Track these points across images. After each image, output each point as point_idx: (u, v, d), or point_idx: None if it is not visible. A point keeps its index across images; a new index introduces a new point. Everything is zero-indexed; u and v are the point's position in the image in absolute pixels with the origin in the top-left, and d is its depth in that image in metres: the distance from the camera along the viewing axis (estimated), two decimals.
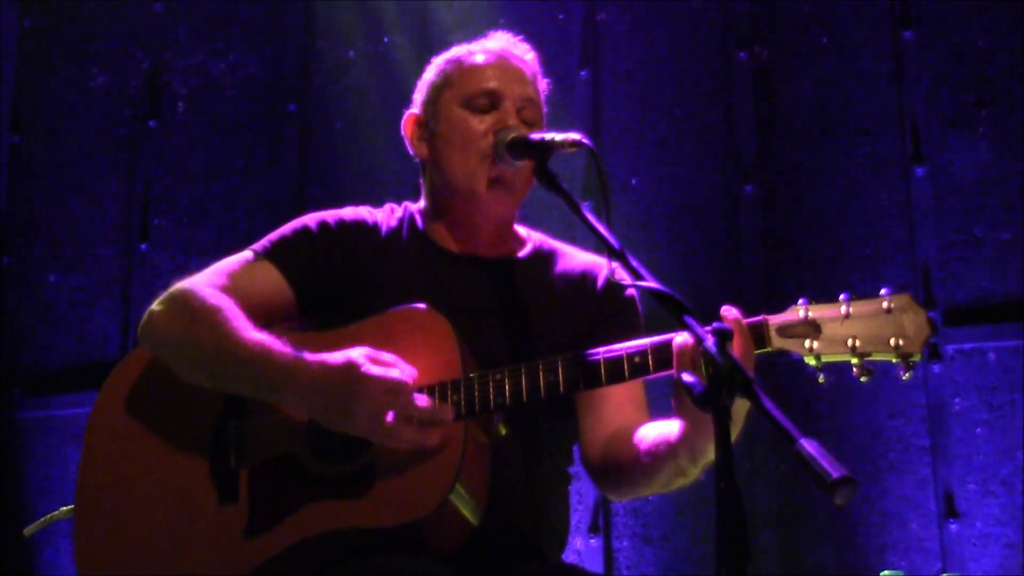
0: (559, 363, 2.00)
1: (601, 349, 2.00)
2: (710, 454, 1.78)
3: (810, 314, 1.89)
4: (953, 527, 3.64)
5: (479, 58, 2.32)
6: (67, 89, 5.10)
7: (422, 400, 1.95)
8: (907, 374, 1.86)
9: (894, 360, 1.86)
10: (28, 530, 2.43)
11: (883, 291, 1.90)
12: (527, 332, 2.23)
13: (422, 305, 2.09)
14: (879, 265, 3.91)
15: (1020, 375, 3.69)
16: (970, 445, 3.70)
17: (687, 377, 1.65)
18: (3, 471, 4.69)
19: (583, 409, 2.26)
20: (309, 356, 1.99)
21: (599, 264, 2.35)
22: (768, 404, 1.54)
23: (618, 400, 2.21)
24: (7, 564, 4.56)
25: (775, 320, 1.91)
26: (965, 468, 3.69)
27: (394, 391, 1.92)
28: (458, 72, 2.31)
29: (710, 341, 1.63)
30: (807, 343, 1.88)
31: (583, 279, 2.33)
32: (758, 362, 1.90)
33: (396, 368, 1.96)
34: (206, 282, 2.17)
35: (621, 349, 1.99)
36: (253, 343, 2.02)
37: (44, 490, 4.62)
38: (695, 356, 1.82)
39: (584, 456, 2.27)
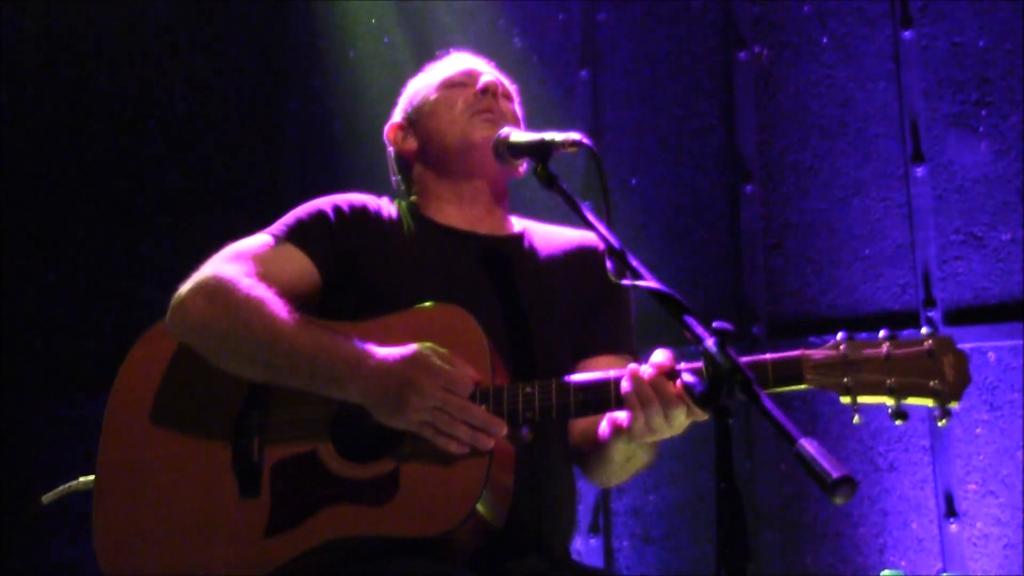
0: (590, 385, 2.00)
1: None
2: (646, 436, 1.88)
3: (849, 353, 1.84)
4: (953, 527, 3.64)
5: (447, 59, 2.50)
6: (67, 89, 5.10)
7: (477, 408, 1.95)
8: (943, 420, 1.80)
9: (931, 404, 1.81)
10: (45, 498, 2.43)
11: (924, 329, 1.86)
12: (530, 303, 2.27)
13: (454, 305, 2.09)
14: (879, 265, 3.90)
15: (1020, 375, 3.69)
16: (970, 445, 3.70)
17: (687, 377, 1.65)
18: (3, 471, 4.69)
19: None
20: (373, 348, 1.98)
21: (593, 238, 2.38)
22: (768, 404, 1.53)
23: None
24: (12, 562, 4.55)
25: (814, 356, 1.86)
26: (965, 468, 3.69)
27: (452, 388, 1.93)
28: (432, 74, 2.48)
29: (710, 341, 1.63)
30: (845, 381, 1.82)
31: (581, 250, 2.41)
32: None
33: (459, 369, 1.96)
34: (240, 270, 2.14)
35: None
36: (311, 337, 2.01)
37: (44, 490, 4.62)
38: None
39: (567, 441, 2.30)
